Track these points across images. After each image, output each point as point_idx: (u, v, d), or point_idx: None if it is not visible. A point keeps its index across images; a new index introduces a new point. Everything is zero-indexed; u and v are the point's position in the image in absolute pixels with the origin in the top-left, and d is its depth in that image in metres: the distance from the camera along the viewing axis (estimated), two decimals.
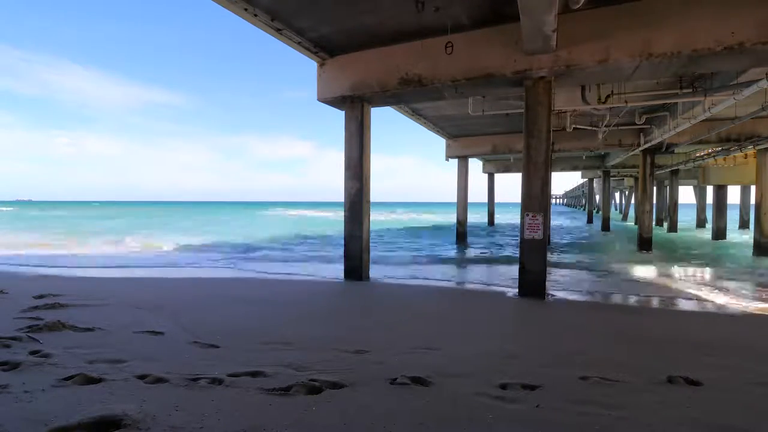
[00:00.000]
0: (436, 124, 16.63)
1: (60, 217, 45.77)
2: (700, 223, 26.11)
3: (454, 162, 19.99)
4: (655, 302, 7.32)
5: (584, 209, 49.95)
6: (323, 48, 8.61)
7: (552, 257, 13.25)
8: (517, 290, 7.74)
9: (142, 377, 2.78)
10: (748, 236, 18.12)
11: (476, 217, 31.79)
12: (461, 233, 19.80)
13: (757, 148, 13.73)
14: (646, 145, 15.28)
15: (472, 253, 15.45)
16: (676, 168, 21.61)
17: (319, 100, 9.28)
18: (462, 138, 19.12)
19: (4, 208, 71.33)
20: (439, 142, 19.79)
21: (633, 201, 36.00)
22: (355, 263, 9.29)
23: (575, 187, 75.72)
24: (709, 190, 22.93)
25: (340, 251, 9.76)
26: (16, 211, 60.50)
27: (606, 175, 27.68)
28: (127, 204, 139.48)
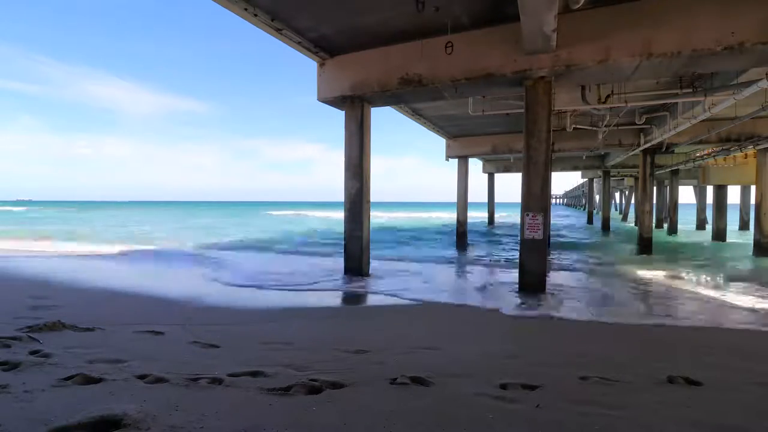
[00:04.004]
0: (436, 124, 16.63)
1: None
2: (701, 224, 26.09)
3: (455, 162, 20.00)
4: (654, 302, 7.32)
5: (584, 209, 49.94)
6: (323, 48, 8.61)
7: (552, 257, 13.24)
8: (517, 289, 7.75)
9: (142, 377, 2.78)
10: (748, 238, 18.12)
11: (476, 216, 31.80)
12: (461, 233, 19.80)
13: (757, 148, 13.72)
14: (646, 145, 15.27)
15: (471, 253, 15.46)
16: (676, 168, 21.61)
17: (320, 100, 9.28)
18: (462, 138, 19.12)
19: (12, 208, 71.27)
20: (440, 142, 19.80)
21: (633, 201, 35.99)
22: (355, 263, 9.30)
23: (575, 187, 75.67)
24: (709, 190, 22.93)
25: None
26: (43, 211, 59.26)
27: (606, 175, 27.68)
28: (125, 204, 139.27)
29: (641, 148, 15.82)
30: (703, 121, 10.79)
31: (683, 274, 9.92)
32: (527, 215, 7.44)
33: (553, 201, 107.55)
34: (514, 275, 8.79)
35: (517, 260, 8.01)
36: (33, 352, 3.29)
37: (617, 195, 56.07)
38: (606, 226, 25.88)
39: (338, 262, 10.30)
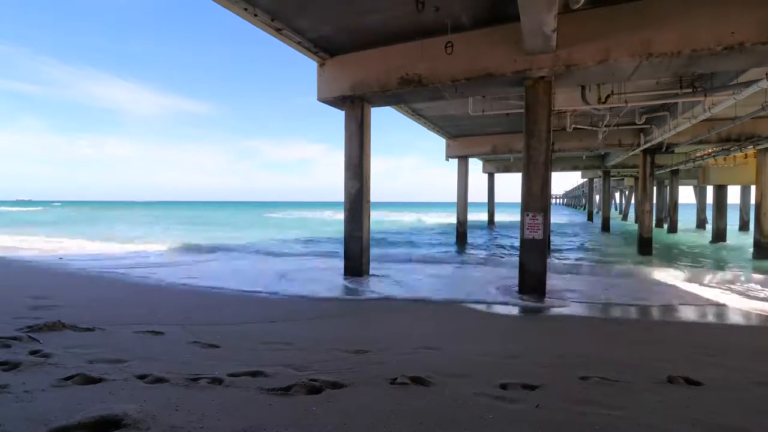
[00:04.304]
0: (436, 124, 16.63)
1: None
2: (701, 224, 26.11)
3: (455, 162, 20.01)
4: (654, 302, 7.31)
5: (584, 209, 49.96)
6: (323, 48, 8.61)
7: (551, 257, 13.25)
8: (517, 289, 7.75)
9: (142, 377, 2.78)
10: (748, 238, 18.13)
11: (476, 217, 31.77)
12: (461, 233, 19.83)
13: (757, 148, 13.73)
14: (646, 145, 15.27)
15: (471, 254, 15.46)
16: (676, 168, 21.61)
17: (319, 100, 9.28)
18: (462, 138, 19.12)
19: (12, 208, 71.17)
20: (440, 142, 19.81)
21: (633, 201, 36.02)
22: (356, 263, 9.30)
23: (575, 187, 75.69)
24: (709, 190, 22.93)
25: None
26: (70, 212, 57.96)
27: (606, 175, 27.68)
28: (128, 204, 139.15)
29: (641, 148, 15.82)
30: (703, 121, 10.79)
31: (683, 274, 9.92)
32: (527, 215, 7.45)
33: (553, 201, 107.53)
34: (514, 275, 8.79)
35: (517, 260, 8.00)
36: (33, 352, 3.29)
37: (617, 195, 56.07)
38: (606, 226, 25.88)
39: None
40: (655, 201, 21.31)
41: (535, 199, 7.40)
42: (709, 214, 22.37)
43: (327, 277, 9.46)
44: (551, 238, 19.43)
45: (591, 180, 36.81)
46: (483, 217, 30.98)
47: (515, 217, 25.59)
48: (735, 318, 6.20)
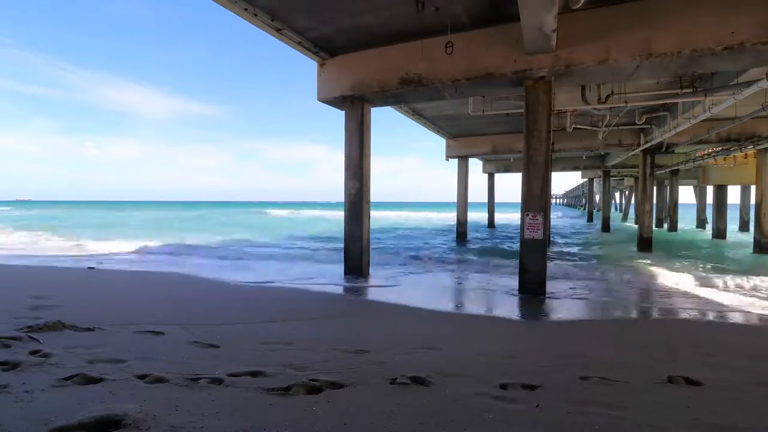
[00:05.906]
0: (436, 123, 16.64)
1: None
2: (701, 224, 26.10)
3: (455, 162, 20.02)
4: (654, 302, 7.32)
5: (584, 209, 49.96)
6: (323, 48, 8.61)
7: (552, 257, 13.24)
8: (517, 289, 7.74)
9: (142, 377, 2.78)
10: (748, 237, 18.12)
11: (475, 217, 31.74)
12: (461, 233, 19.84)
13: (757, 148, 13.73)
14: (646, 145, 15.28)
15: (471, 254, 15.46)
16: (676, 168, 21.61)
17: (319, 99, 9.28)
18: (462, 138, 19.13)
19: (6, 208, 70.98)
20: (440, 142, 19.82)
21: (633, 201, 36.02)
22: (356, 263, 9.29)
23: (575, 187, 75.74)
24: (709, 190, 22.93)
25: None
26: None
27: (606, 175, 27.67)
28: (132, 204, 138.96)
29: (641, 148, 15.82)
30: (703, 121, 10.80)
31: (683, 274, 9.92)
32: (527, 215, 7.44)
33: (553, 201, 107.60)
34: (514, 275, 8.78)
35: (517, 260, 8.00)
36: (33, 352, 3.29)
37: (617, 195, 56.09)
38: (606, 226, 25.86)
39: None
40: (655, 201, 21.31)
41: (535, 199, 7.40)
42: (709, 214, 22.37)
43: (327, 277, 9.45)
44: (552, 237, 19.45)
45: (591, 180, 36.80)
46: (483, 217, 30.96)
47: (515, 218, 25.56)
48: (735, 318, 6.19)
